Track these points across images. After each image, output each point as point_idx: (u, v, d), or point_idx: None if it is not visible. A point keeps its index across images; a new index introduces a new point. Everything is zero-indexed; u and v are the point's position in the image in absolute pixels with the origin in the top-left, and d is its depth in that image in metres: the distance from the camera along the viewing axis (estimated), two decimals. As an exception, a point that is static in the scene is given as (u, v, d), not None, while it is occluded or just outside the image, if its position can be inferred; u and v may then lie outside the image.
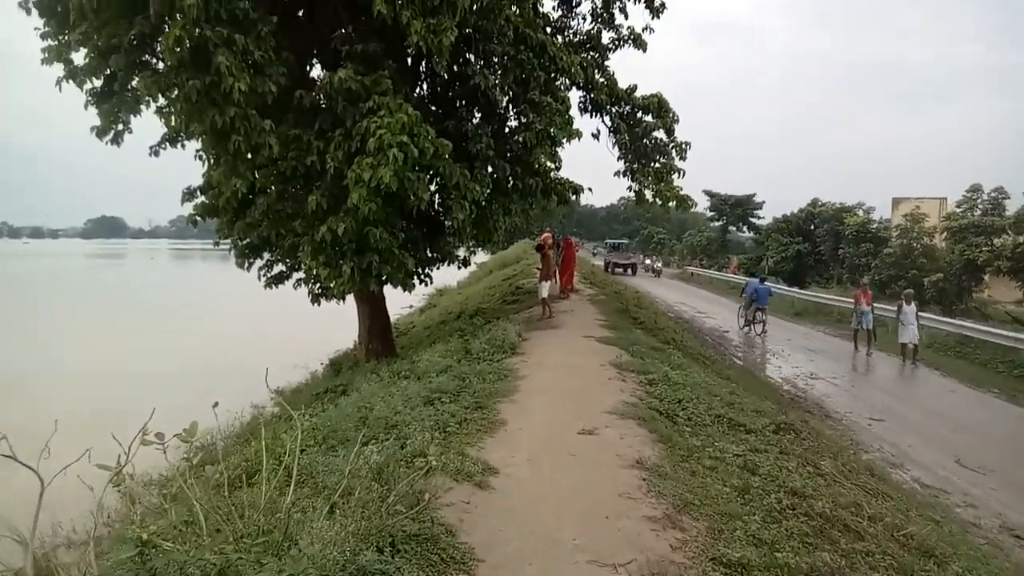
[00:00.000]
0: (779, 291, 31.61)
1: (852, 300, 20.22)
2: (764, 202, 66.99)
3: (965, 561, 4.83)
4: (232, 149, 10.14)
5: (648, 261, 53.08)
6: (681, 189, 16.32)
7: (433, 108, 14.79)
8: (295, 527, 3.43)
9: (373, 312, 16.96)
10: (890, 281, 33.97)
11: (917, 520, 5.49)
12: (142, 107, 10.94)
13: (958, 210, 33.99)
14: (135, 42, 10.05)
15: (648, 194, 16.64)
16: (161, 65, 10.31)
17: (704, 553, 4.04)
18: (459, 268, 16.45)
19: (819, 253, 44.95)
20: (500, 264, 45.26)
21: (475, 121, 13.92)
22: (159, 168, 27.86)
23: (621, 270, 46.26)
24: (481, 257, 47.83)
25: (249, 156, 10.81)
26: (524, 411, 6.64)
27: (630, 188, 17.07)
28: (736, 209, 66.62)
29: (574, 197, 16.51)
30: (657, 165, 16.65)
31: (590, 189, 16.38)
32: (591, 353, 9.84)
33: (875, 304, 19.03)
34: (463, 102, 14.46)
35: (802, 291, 31.15)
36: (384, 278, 11.73)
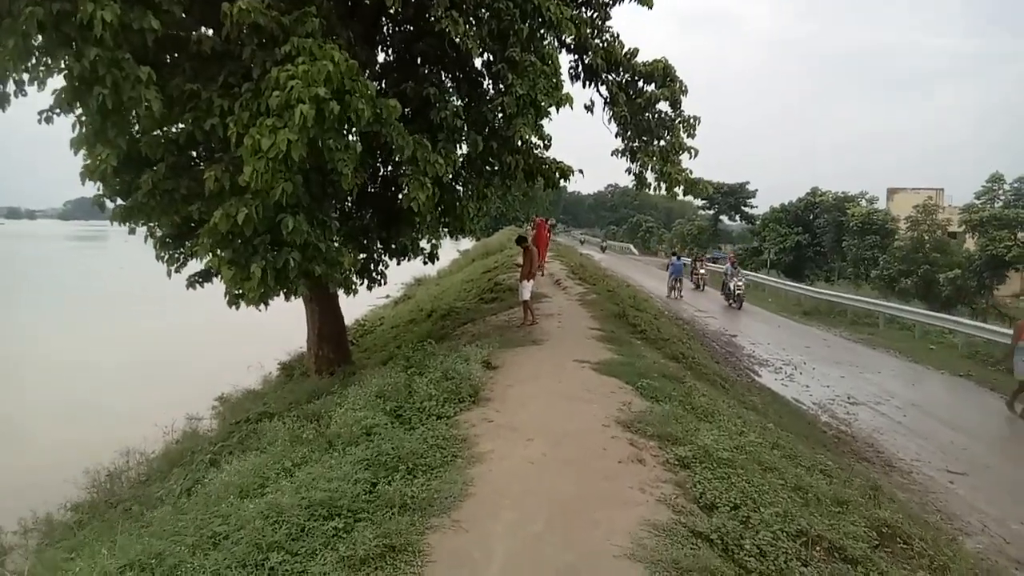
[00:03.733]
0: (789, 287, 29.19)
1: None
2: (757, 191, 64.79)
3: None
4: (96, 106, 7.36)
5: (703, 271, 31.90)
6: (691, 172, 13.64)
7: (385, 65, 12.04)
8: None
9: (324, 313, 14.24)
10: (899, 276, 31.56)
11: None
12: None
13: (978, 202, 31.55)
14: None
15: (650, 176, 13.92)
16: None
17: None
18: (424, 263, 13.69)
19: (819, 245, 42.54)
20: (483, 253, 42.51)
21: (441, 83, 11.18)
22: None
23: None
24: (465, 244, 45.16)
25: (129, 117, 8.04)
26: (472, 560, 3.76)
27: (629, 170, 14.31)
28: (728, 198, 64.17)
29: (563, 181, 13.73)
30: (662, 143, 13.94)
31: (581, 171, 13.61)
32: (587, 396, 7.01)
33: None
34: (427, 61, 11.71)
35: (826, 290, 28.29)
36: (316, 277, 9.02)
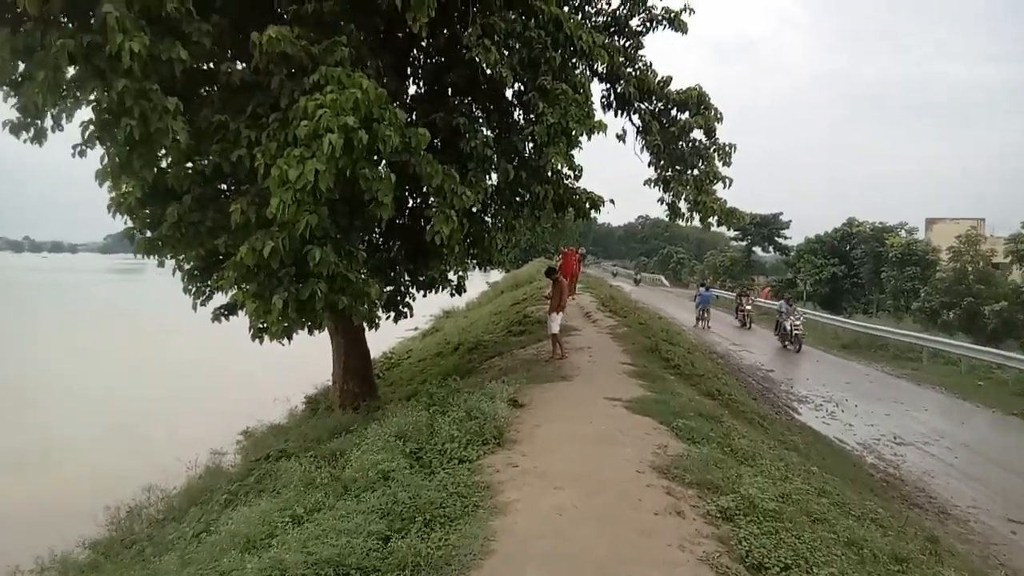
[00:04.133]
0: (827, 319, 28.34)
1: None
2: (791, 221, 63.80)
3: None
4: (123, 137, 7.28)
5: (749, 307, 28.77)
6: (726, 202, 13.26)
7: (416, 96, 11.94)
8: None
9: (349, 346, 14.04)
10: (942, 309, 30.49)
11: None
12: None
13: (1024, 231, 30.47)
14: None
15: (683, 207, 13.57)
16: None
17: None
18: (452, 295, 13.44)
19: (857, 276, 41.48)
20: (512, 284, 42.25)
21: (471, 113, 11.05)
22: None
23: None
24: (495, 276, 44.98)
25: (156, 149, 7.96)
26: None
27: (661, 200, 13.98)
28: (761, 228, 63.21)
29: (593, 212, 13.41)
30: (696, 172, 13.62)
31: (612, 201, 13.30)
32: (619, 438, 6.61)
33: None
34: (457, 92, 11.60)
35: (865, 322, 27.46)
36: (340, 310, 8.80)
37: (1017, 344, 24.00)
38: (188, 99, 8.00)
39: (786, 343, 22.22)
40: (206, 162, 8.42)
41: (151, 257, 9.70)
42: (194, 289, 10.66)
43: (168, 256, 9.89)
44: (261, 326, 8.32)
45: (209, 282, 10.59)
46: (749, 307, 28.09)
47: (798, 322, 21.87)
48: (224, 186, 9.34)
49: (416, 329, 33.66)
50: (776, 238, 64.25)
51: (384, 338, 23.84)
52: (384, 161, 8.49)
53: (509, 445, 6.19)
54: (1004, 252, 31.32)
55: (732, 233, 66.91)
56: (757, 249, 67.60)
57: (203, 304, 10.90)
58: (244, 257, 7.56)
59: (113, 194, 8.73)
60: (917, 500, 8.33)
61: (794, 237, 60.95)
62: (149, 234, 9.43)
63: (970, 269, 31.42)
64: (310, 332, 9.17)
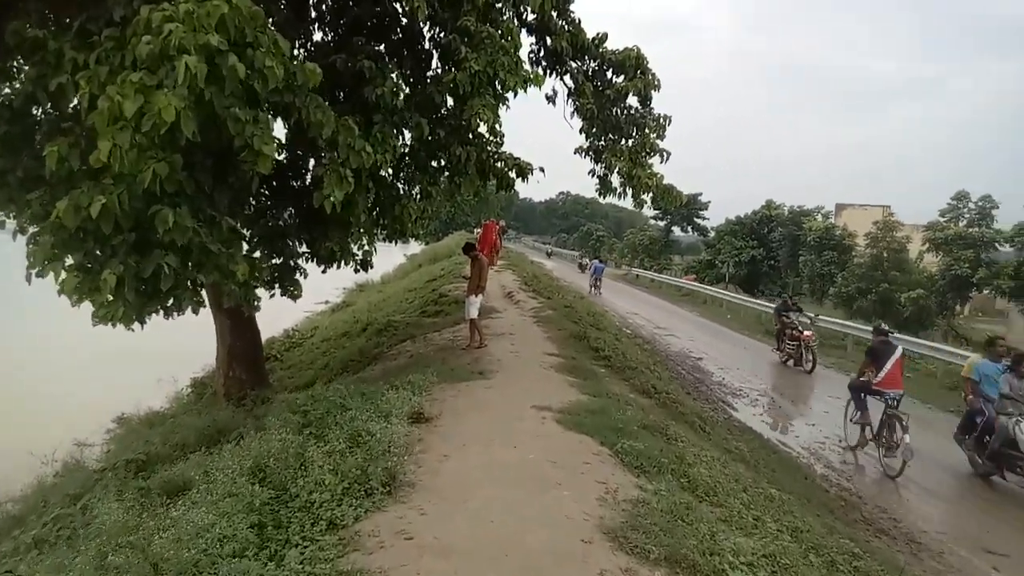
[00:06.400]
0: (750, 303, 27.79)
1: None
2: (710, 202, 64.35)
3: None
4: None
5: (808, 333, 16.13)
6: (663, 177, 12.03)
7: (322, 45, 10.16)
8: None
9: (235, 327, 12.18)
10: (858, 295, 30.78)
11: None
12: None
13: (942, 219, 30.99)
14: None
15: (616, 181, 12.26)
16: None
17: None
18: (356, 271, 11.71)
19: (775, 259, 41.84)
20: (431, 258, 40.47)
21: (380, 57, 9.31)
22: None
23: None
24: (414, 247, 42.87)
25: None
26: None
27: (592, 172, 12.64)
28: (681, 208, 63.46)
29: (520, 181, 11.90)
30: (631, 142, 12.35)
31: (542, 169, 11.83)
32: (553, 473, 4.97)
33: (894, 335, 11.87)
34: (364, 31, 9.83)
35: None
36: (198, 289, 7.01)
37: (939, 333, 24.25)
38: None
39: (789, 358, 16.17)
40: (12, 90, 6.40)
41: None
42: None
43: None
44: (103, 310, 6.42)
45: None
46: (809, 334, 16.04)
47: (809, 332, 15.98)
48: (36, 124, 7.23)
49: (327, 303, 31.59)
50: (695, 219, 64.76)
51: (290, 312, 21.74)
52: (263, 102, 6.67)
53: (403, 493, 4.48)
54: (921, 239, 31.75)
55: (651, 212, 67.14)
56: (676, 229, 68.00)
57: (40, 276, 8.81)
58: (63, 217, 5.67)
59: None
60: (881, 524, 7.29)
61: (713, 218, 61.64)
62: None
63: (886, 256, 31.84)
64: (165, 316, 7.27)
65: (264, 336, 15.05)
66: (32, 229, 8.22)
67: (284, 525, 3.80)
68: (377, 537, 3.70)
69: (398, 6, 9.65)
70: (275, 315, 14.65)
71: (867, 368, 9.73)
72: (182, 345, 15.91)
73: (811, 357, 15.74)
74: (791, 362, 16.21)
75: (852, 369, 13.57)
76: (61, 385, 17.25)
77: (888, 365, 9.40)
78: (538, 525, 4.02)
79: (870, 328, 12.61)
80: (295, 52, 9.12)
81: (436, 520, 3.99)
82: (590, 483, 4.77)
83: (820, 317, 19.65)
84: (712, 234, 53.47)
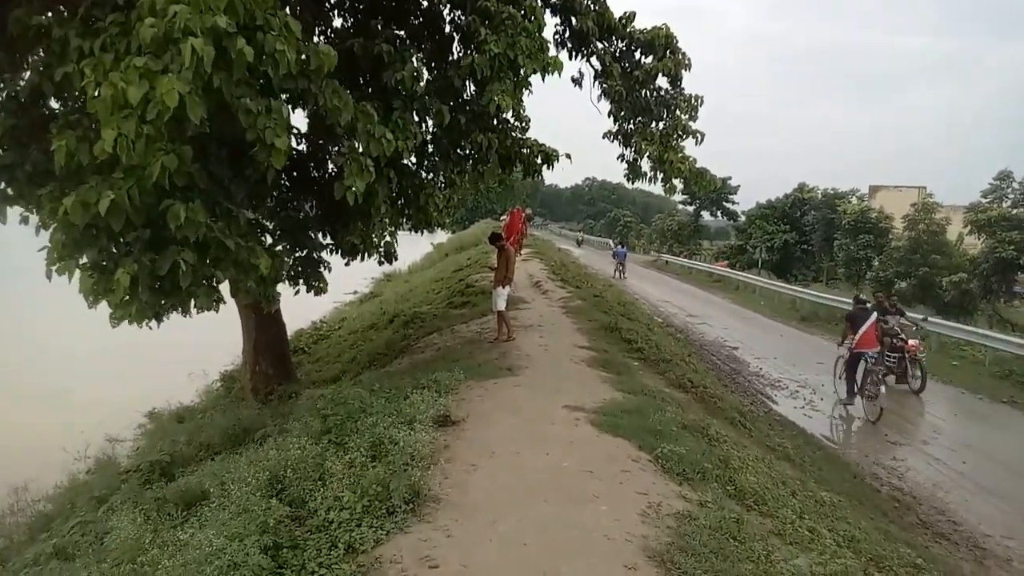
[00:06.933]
0: (784, 289, 26.95)
1: None
2: (739, 186, 63.23)
3: None
4: None
5: (915, 343, 13.25)
6: (695, 161, 11.55)
7: (341, 31, 9.85)
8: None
9: (260, 322, 12.03)
10: (896, 279, 29.79)
11: None
12: None
13: (984, 200, 29.81)
14: None
15: (646, 165, 11.80)
16: None
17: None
18: (380, 263, 11.46)
19: (807, 243, 40.80)
20: (457, 247, 40.18)
21: (399, 41, 8.96)
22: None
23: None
24: (440, 236, 42.63)
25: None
26: None
27: (621, 157, 12.20)
28: (711, 193, 62.45)
29: (546, 168, 11.51)
30: (662, 125, 11.88)
31: (568, 156, 11.44)
32: (590, 485, 4.59)
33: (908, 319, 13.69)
34: (383, 14, 9.50)
35: (826, 293, 25.19)
36: (215, 286, 6.76)
37: (984, 320, 23.32)
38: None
39: (889, 373, 12.89)
40: (14, 85, 6.18)
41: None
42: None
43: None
44: (119, 311, 6.20)
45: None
46: (915, 343, 13.36)
47: (915, 342, 13.37)
48: (44, 116, 6.99)
49: (355, 293, 31.50)
50: (724, 203, 63.73)
51: (319, 303, 21.60)
52: (277, 89, 6.36)
53: (428, 510, 4.10)
54: (963, 221, 30.58)
55: (679, 197, 66.14)
56: (705, 214, 66.99)
57: (60, 273, 8.66)
58: (70, 214, 5.44)
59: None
60: (940, 527, 6.82)
61: (742, 203, 60.59)
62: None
63: (925, 239, 30.72)
64: (182, 313, 7.05)
65: (292, 327, 14.90)
66: (52, 225, 8.12)
67: (300, 547, 3.49)
68: (399, 564, 3.37)
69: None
70: (304, 307, 14.48)
71: (847, 333, 11.56)
72: (214, 338, 15.85)
73: (919, 373, 12.95)
74: (892, 379, 12.94)
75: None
76: (95, 379, 17.33)
77: (863, 328, 11.22)
78: (575, 549, 3.66)
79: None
80: (314, 38, 8.80)
81: (463, 544, 3.67)
82: (630, 495, 4.41)
83: (929, 320, 17.12)
84: (742, 218, 52.48)
